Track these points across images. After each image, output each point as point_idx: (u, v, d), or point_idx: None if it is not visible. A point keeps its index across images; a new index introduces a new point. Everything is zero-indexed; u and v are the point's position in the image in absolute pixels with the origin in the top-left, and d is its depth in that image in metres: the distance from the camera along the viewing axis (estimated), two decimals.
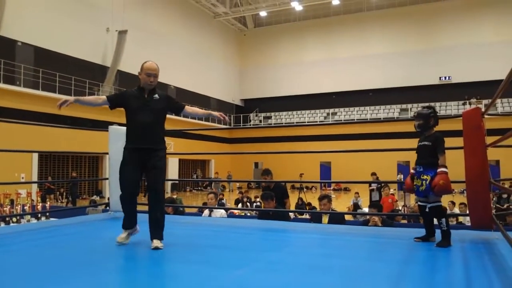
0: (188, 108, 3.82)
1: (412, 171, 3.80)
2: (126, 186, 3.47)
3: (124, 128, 5.30)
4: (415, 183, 3.67)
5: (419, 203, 3.80)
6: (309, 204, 12.04)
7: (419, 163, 3.70)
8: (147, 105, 3.57)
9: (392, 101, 31.74)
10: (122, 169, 3.51)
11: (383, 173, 24.27)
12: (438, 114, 3.77)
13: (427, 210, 3.65)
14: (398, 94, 31.47)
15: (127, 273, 2.85)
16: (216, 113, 3.89)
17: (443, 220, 3.50)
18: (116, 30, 23.38)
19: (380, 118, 30.73)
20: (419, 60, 31.01)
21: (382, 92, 32.00)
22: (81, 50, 21.97)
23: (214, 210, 6.65)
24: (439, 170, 3.48)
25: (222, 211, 6.89)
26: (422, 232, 4.47)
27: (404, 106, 31.38)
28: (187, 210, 8.97)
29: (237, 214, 9.00)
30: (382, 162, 24.70)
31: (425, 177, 3.55)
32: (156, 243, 3.24)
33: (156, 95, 3.65)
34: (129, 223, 3.53)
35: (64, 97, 3.55)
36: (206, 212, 6.78)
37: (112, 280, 2.69)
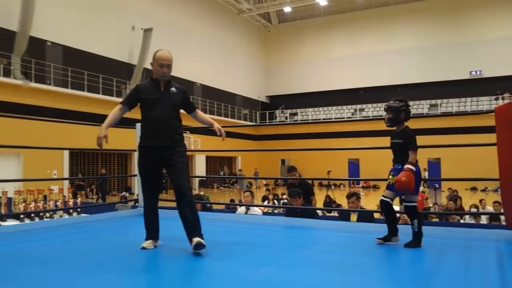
0: (198, 112, 3.57)
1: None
2: (148, 192, 3.33)
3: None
4: (392, 181, 3.44)
5: (382, 197, 3.53)
6: (334, 202, 11.93)
7: (397, 161, 3.50)
8: (163, 98, 3.30)
9: (421, 96, 31.09)
10: (141, 173, 3.33)
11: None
12: (410, 108, 3.57)
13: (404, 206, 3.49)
14: (427, 89, 30.80)
15: (156, 269, 2.87)
16: (216, 126, 3.57)
17: (416, 221, 3.36)
18: (142, 28, 23.68)
19: None
20: (448, 54, 30.27)
21: (411, 88, 31.37)
22: (108, 49, 22.35)
23: (251, 208, 6.63)
24: (405, 166, 3.31)
25: (258, 209, 6.86)
26: (453, 230, 4.36)
27: (433, 101, 30.75)
28: (214, 206, 9.02)
29: (264, 211, 8.98)
30: None
31: None
32: (197, 240, 2.99)
33: (173, 88, 3.37)
34: (152, 235, 3.33)
35: (100, 134, 3.32)
36: (242, 209, 6.76)
37: (141, 275, 2.71)
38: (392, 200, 3.46)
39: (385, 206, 3.50)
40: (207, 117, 3.53)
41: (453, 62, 30.04)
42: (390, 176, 3.43)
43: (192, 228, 3.08)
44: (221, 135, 3.45)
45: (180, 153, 3.27)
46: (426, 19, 31.37)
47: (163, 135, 3.23)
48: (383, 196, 3.48)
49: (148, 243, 3.25)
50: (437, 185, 14.40)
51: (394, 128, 3.54)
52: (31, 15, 17.60)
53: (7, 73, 17.38)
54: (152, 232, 3.31)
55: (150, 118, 3.29)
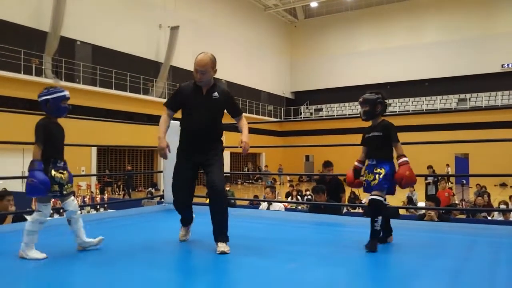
0: (242, 119, 3.42)
1: (356, 163, 3.53)
2: (179, 195, 3.31)
3: (178, 122, 5.46)
4: (365, 178, 3.30)
5: (370, 198, 3.29)
6: (358, 198, 11.82)
7: (370, 156, 3.33)
8: (204, 103, 3.21)
9: (449, 91, 30.42)
10: (175, 176, 3.30)
11: (439, 166, 23.49)
12: (386, 101, 3.40)
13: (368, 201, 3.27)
14: (456, 83, 30.09)
15: (181, 263, 2.91)
16: (241, 139, 3.24)
17: (379, 218, 3.12)
18: (168, 26, 23.94)
19: (437, 109, 29.59)
20: (478, 47, 29.44)
21: (439, 82, 30.73)
22: (135, 47, 22.68)
23: (273, 203, 6.66)
24: (400, 160, 3.16)
25: (281, 205, 6.88)
26: (481, 227, 4.28)
27: (462, 96, 30.04)
28: (238, 202, 9.07)
29: (287, 207, 8.99)
30: (438, 154, 23.82)
31: (378, 170, 3.20)
32: (222, 246, 3.00)
33: (216, 93, 3.24)
34: (186, 221, 3.44)
35: (162, 145, 3.19)
36: (265, 205, 6.80)
37: (168, 270, 2.77)
38: (385, 198, 3.24)
39: (379, 206, 3.19)
40: (245, 128, 3.37)
41: (483, 55, 29.23)
42: (371, 175, 3.23)
43: (219, 231, 3.08)
44: (243, 149, 3.20)
45: (215, 152, 3.26)
46: (454, 11, 30.60)
47: (201, 141, 3.22)
48: (373, 195, 3.20)
49: (182, 235, 3.41)
50: (464, 181, 14.10)
51: (370, 122, 3.41)
52: (62, 15, 18.07)
53: (39, 72, 17.86)
54: (187, 217, 3.43)
55: (189, 123, 3.26)
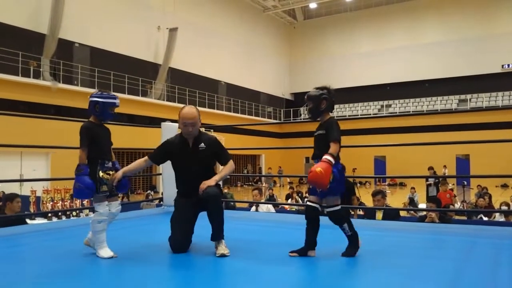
0: (228, 164, 3.30)
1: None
2: (175, 241, 3.16)
3: (176, 125, 5.44)
4: None
5: (309, 203, 3.03)
6: (358, 200, 11.75)
7: (315, 156, 3.02)
8: (192, 157, 3.21)
9: (450, 91, 30.39)
10: (172, 223, 3.22)
11: (441, 167, 23.46)
12: (333, 96, 3.10)
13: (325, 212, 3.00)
14: (456, 84, 30.06)
15: (178, 266, 2.88)
16: (206, 182, 3.10)
17: (346, 225, 2.93)
18: (167, 28, 23.93)
19: (437, 110, 29.59)
20: (478, 47, 29.43)
21: (439, 82, 30.71)
22: (133, 49, 22.66)
23: (260, 205, 6.64)
24: (323, 157, 2.81)
25: (269, 206, 6.86)
26: (482, 229, 4.25)
27: (463, 96, 30.00)
28: (238, 205, 9.03)
29: (287, 209, 8.95)
30: (439, 155, 23.80)
31: None
32: (221, 249, 3.01)
33: (202, 144, 3.21)
34: None
35: (116, 176, 3.12)
36: (254, 207, 6.79)
37: (166, 272, 2.75)
38: (320, 205, 3.00)
39: (312, 213, 2.98)
40: (223, 172, 3.26)
41: (483, 56, 29.21)
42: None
43: (216, 232, 3.09)
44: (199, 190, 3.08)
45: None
46: (454, 12, 30.60)
47: (196, 190, 3.12)
48: (308, 201, 3.00)
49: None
50: (465, 182, 14.05)
51: (319, 120, 3.13)
52: (60, 17, 18.06)
53: (36, 74, 17.83)
54: None
55: (181, 176, 3.29)
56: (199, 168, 3.21)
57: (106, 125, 3.30)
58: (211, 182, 3.09)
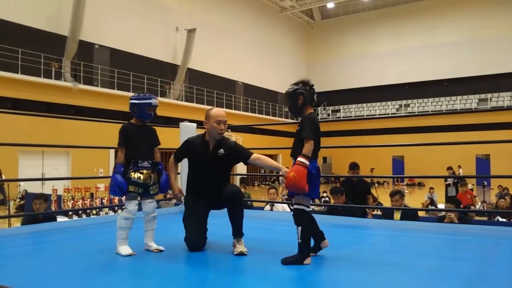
0: (260, 158, 3.25)
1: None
2: (194, 241, 3.19)
3: (194, 125, 5.49)
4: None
5: (296, 206, 2.85)
6: (376, 200, 11.65)
7: (291, 153, 2.87)
8: (210, 161, 3.24)
9: (469, 91, 29.93)
10: (186, 222, 3.27)
11: (461, 167, 23.13)
12: (311, 89, 2.89)
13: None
14: (476, 83, 29.59)
15: (197, 264, 2.91)
16: (284, 170, 3.04)
17: (299, 229, 2.73)
18: (185, 29, 24.09)
19: (457, 109, 29.16)
20: (499, 46, 28.89)
21: (459, 82, 30.26)
22: (152, 50, 22.89)
23: (276, 204, 6.65)
24: (297, 159, 2.68)
25: (285, 205, 6.86)
26: (503, 230, 4.20)
27: (483, 96, 29.52)
28: (255, 204, 9.04)
29: None
30: (459, 155, 23.46)
31: None
32: (240, 247, 3.03)
33: (222, 150, 3.25)
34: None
35: (175, 191, 3.32)
36: (268, 207, 6.79)
37: (185, 270, 2.78)
38: (308, 207, 2.85)
39: (299, 215, 2.81)
40: (268, 159, 3.22)
41: (504, 54, 28.68)
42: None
43: (238, 229, 3.13)
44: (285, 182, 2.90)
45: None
46: (473, 10, 30.13)
47: (209, 193, 3.23)
48: (295, 203, 2.84)
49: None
50: (485, 182, 13.84)
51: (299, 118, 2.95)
52: (80, 20, 18.37)
53: (58, 76, 18.15)
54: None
55: (197, 177, 3.33)
56: (215, 173, 3.25)
57: (116, 123, 3.36)
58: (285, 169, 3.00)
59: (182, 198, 3.35)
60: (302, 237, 2.73)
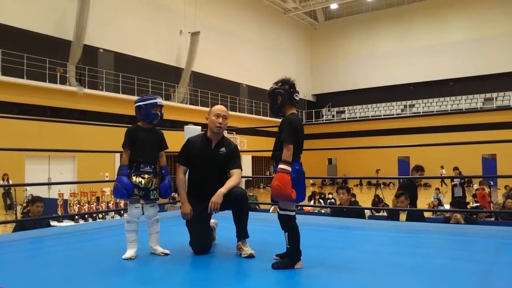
0: (236, 174, 3.22)
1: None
2: (198, 245, 3.18)
3: (199, 127, 5.50)
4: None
5: (280, 211, 2.76)
6: (382, 201, 11.63)
7: (271, 156, 2.79)
8: (211, 159, 3.23)
9: (474, 90, 29.81)
10: (189, 226, 3.24)
11: (466, 168, 22.96)
12: (290, 88, 2.75)
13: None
14: (481, 82, 29.47)
15: (198, 267, 2.91)
16: (213, 199, 3.01)
17: (286, 234, 2.69)
18: (189, 32, 24.16)
19: (462, 109, 29.03)
20: (504, 45, 28.76)
21: (464, 81, 30.15)
22: (156, 53, 22.98)
23: None
24: (278, 167, 2.60)
25: None
26: (508, 230, 4.18)
27: (488, 95, 29.40)
28: (261, 206, 9.04)
29: (309, 210, 8.93)
30: (465, 156, 23.35)
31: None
32: (248, 250, 3.04)
33: (223, 149, 3.26)
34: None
35: (186, 211, 3.18)
36: (272, 208, 6.78)
37: (185, 272, 2.79)
38: (293, 211, 2.76)
39: (285, 220, 2.73)
40: (230, 182, 3.13)
41: (508, 53, 28.54)
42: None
43: (243, 231, 3.12)
44: (208, 208, 3.02)
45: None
46: (478, 9, 30.02)
47: (208, 193, 3.11)
48: (280, 208, 2.74)
49: None
50: (492, 183, 13.75)
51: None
52: (85, 24, 18.48)
53: (63, 80, 18.26)
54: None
55: (197, 175, 3.30)
56: (216, 171, 3.24)
57: (121, 127, 3.34)
58: (219, 197, 3.01)
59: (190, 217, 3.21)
60: (290, 242, 2.69)
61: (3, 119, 14.53)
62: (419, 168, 5.96)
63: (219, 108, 3.31)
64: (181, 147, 3.40)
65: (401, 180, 6.48)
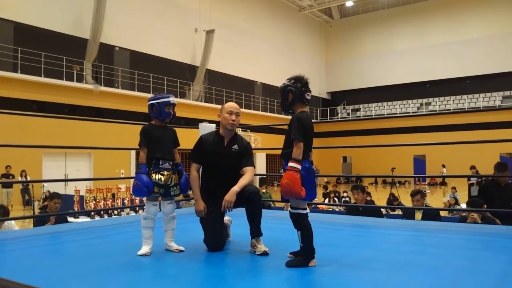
0: (249, 172, 3.25)
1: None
2: (212, 242, 3.19)
3: (213, 125, 5.51)
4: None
5: (291, 210, 2.76)
6: (397, 200, 11.51)
7: (281, 154, 2.78)
8: (224, 156, 3.25)
9: (493, 88, 29.32)
10: (203, 223, 3.25)
11: (484, 166, 22.60)
12: (303, 86, 2.72)
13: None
14: (499, 80, 28.96)
15: (212, 264, 2.92)
16: (225, 198, 3.05)
17: (299, 233, 2.68)
18: (204, 30, 24.23)
19: (480, 107, 28.61)
20: None
21: (481, 79, 29.69)
22: (172, 51, 23.10)
23: None
24: (288, 165, 2.60)
25: None
26: None
27: (507, 93, 28.89)
28: (274, 204, 9.04)
29: (324, 209, 8.90)
30: (482, 154, 23.00)
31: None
32: (263, 247, 3.03)
33: (236, 146, 3.28)
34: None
35: (200, 208, 3.20)
36: (286, 206, 6.77)
37: (200, 269, 2.80)
38: (305, 209, 2.74)
39: (297, 219, 2.71)
40: (244, 180, 3.15)
41: None
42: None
43: (256, 229, 3.12)
44: (222, 207, 3.06)
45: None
46: (496, 6, 29.49)
47: (222, 190, 3.13)
48: (291, 207, 2.74)
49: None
50: (511, 181, 13.51)
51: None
52: (101, 23, 18.66)
53: (79, 78, 18.46)
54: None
55: (210, 172, 3.31)
56: (229, 168, 3.25)
57: (137, 125, 3.37)
58: (232, 196, 3.04)
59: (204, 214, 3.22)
60: (303, 240, 2.69)
61: (22, 117, 14.76)
62: (502, 167, 5.39)
63: (231, 105, 3.32)
64: (194, 144, 3.42)
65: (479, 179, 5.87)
